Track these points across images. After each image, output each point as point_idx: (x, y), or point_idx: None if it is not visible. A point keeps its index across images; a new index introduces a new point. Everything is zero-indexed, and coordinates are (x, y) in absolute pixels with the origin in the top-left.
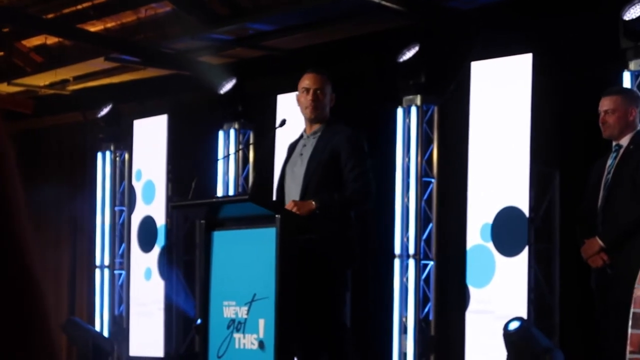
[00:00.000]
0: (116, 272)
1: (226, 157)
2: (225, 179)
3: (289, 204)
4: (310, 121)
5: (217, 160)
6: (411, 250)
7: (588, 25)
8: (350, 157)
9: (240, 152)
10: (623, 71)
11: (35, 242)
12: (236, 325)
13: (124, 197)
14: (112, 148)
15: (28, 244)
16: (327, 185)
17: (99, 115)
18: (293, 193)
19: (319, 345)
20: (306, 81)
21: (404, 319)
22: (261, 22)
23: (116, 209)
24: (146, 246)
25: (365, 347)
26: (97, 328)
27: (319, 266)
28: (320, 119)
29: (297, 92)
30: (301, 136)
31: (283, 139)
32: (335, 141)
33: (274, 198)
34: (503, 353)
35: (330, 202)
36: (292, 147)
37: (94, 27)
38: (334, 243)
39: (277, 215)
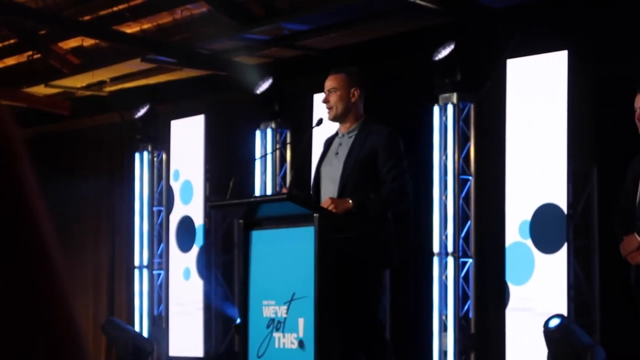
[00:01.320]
0: (155, 272)
1: (263, 156)
2: (263, 179)
3: (325, 201)
4: (334, 121)
5: (254, 159)
6: (450, 248)
7: (624, 21)
8: (388, 158)
9: (278, 151)
10: None
11: (70, 240)
12: (276, 324)
13: (162, 197)
14: (149, 148)
15: (43, 223)
16: (363, 185)
17: (136, 116)
18: (329, 192)
19: (357, 344)
20: (325, 84)
21: (443, 317)
22: (296, 22)
23: (154, 209)
24: (185, 246)
25: (405, 345)
26: (137, 328)
27: (357, 265)
28: (344, 118)
29: None
30: (336, 134)
31: (320, 138)
32: (372, 141)
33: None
34: (544, 350)
35: (367, 201)
36: (327, 145)
37: (130, 29)
38: (371, 242)
39: (315, 214)
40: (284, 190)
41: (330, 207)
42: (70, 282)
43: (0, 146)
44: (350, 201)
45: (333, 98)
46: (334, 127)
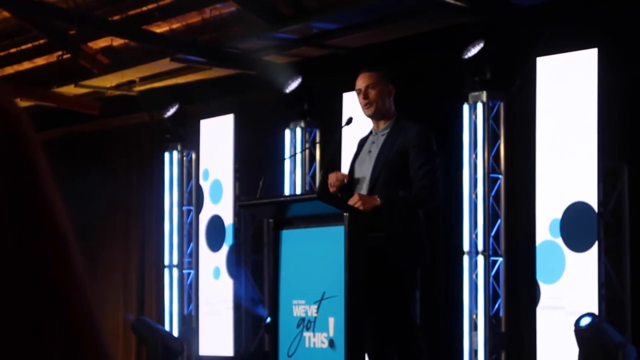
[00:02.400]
0: (185, 271)
1: (293, 155)
2: (292, 178)
3: (353, 198)
4: (372, 118)
5: (283, 159)
6: (480, 247)
7: None
8: (418, 155)
9: (307, 150)
10: None
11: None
12: (306, 323)
13: (192, 197)
14: (179, 148)
15: (58, 209)
16: (394, 182)
17: (166, 116)
18: (361, 190)
19: (390, 344)
20: (358, 82)
21: (474, 316)
22: (325, 21)
23: (184, 208)
24: (214, 245)
25: (435, 344)
26: (167, 328)
27: (388, 264)
28: (381, 115)
29: None
30: (370, 132)
31: (349, 137)
32: (403, 138)
33: (342, 194)
34: (575, 349)
35: (395, 199)
36: (361, 144)
37: (159, 29)
38: (402, 241)
39: (345, 214)
40: (344, 180)
41: (358, 204)
42: (93, 276)
43: (13, 133)
44: (379, 199)
45: (372, 94)
46: (364, 127)
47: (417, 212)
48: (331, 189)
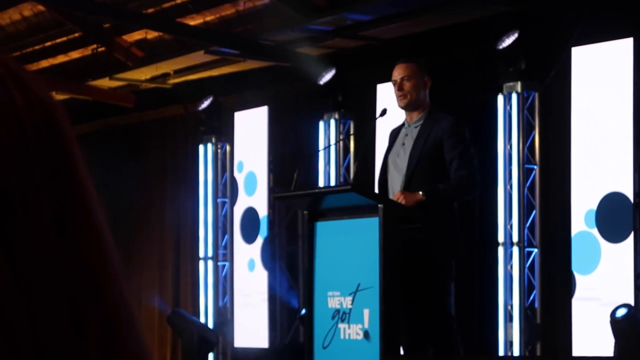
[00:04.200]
0: (220, 263)
1: (327, 147)
2: (327, 170)
3: (396, 195)
4: (405, 110)
5: (318, 150)
6: (515, 238)
7: None
8: (454, 146)
9: (341, 142)
10: None
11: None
12: (341, 315)
13: (226, 189)
14: (213, 140)
15: (94, 201)
16: (430, 174)
17: (200, 108)
18: (396, 183)
19: (425, 336)
20: (394, 73)
21: (509, 307)
22: (359, 12)
23: (218, 200)
24: (249, 237)
25: (470, 335)
26: (202, 319)
27: (423, 256)
28: (415, 107)
29: None
30: (403, 124)
31: (384, 129)
32: (437, 130)
33: (377, 188)
34: (610, 340)
35: (437, 192)
36: (393, 135)
37: (194, 21)
38: (437, 233)
39: (379, 205)
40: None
41: (400, 200)
42: (129, 268)
43: (51, 124)
44: (421, 193)
45: (407, 85)
46: (398, 118)
47: (452, 204)
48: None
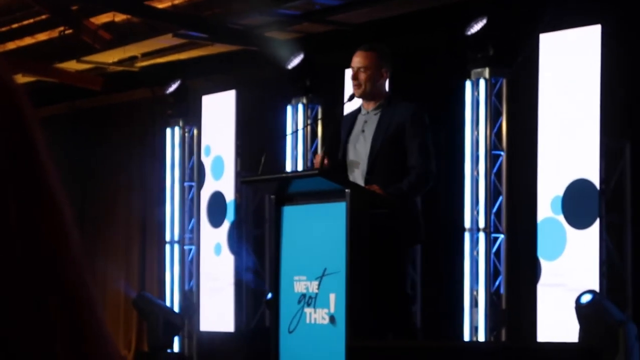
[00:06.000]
0: (186, 247)
1: (294, 132)
2: (294, 154)
3: (371, 187)
4: (360, 98)
5: (285, 135)
6: (481, 224)
7: None
8: (415, 135)
9: (309, 127)
10: None
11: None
12: (307, 300)
13: (193, 173)
14: (180, 124)
15: (56, 184)
16: (391, 163)
17: (168, 92)
18: (357, 170)
19: (385, 318)
20: (354, 59)
21: (474, 293)
22: None
23: (185, 184)
24: (216, 221)
25: (436, 321)
26: (168, 303)
27: (387, 241)
28: (370, 97)
29: None
30: (359, 110)
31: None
32: (399, 117)
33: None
34: (575, 326)
35: (401, 194)
36: (350, 122)
37: (162, 4)
38: (401, 218)
39: (346, 190)
40: (325, 161)
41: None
42: (95, 251)
43: (13, 107)
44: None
45: (362, 77)
46: (357, 102)
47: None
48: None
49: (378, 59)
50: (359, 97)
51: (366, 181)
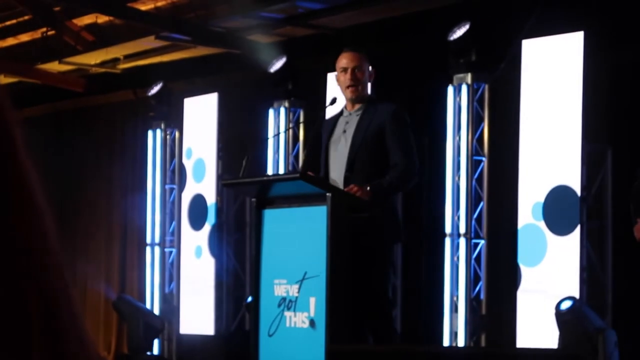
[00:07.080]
0: (167, 250)
1: (276, 135)
2: (276, 157)
3: (351, 187)
4: (351, 100)
5: (267, 138)
6: (462, 229)
7: None
8: (395, 132)
9: (291, 130)
10: None
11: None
12: (287, 303)
13: (175, 175)
14: (162, 126)
15: (34, 184)
16: (372, 160)
17: (150, 94)
18: (338, 170)
19: (366, 322)
20: (343, 60)
21: (454, 298)
22: (311, 1)
23: (167, 187)
24: (197, 224)
25: (416, 326)
26: (148, 306)
27: (369, 244)
28: (361, 97)
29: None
30: (341, 113)
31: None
32: (379, 117)
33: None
34: (555, 332)
35: (383, 187)
36: (331, 124)
37: (145, 6)
38: (383, 221)
39: (327, 194)
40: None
41: (358, 193)
42: (76, 253)
43: None
44: (369, 188)
45: (360, 75)
46: (341, 106)
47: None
48: None
49: (366, 60)
50: (356, 98)
51: (346, 179)
